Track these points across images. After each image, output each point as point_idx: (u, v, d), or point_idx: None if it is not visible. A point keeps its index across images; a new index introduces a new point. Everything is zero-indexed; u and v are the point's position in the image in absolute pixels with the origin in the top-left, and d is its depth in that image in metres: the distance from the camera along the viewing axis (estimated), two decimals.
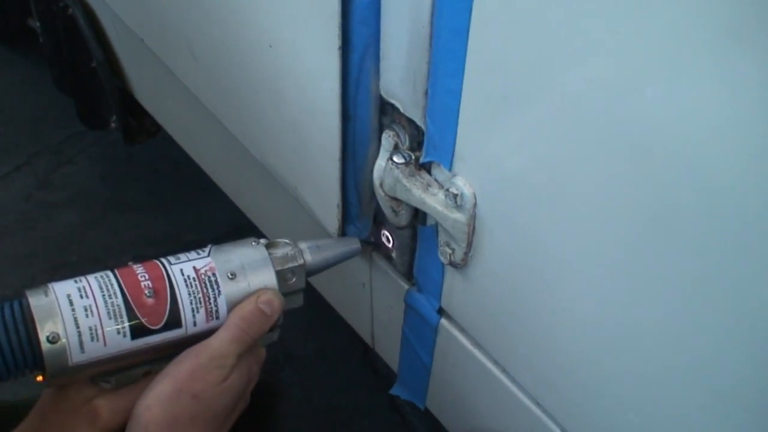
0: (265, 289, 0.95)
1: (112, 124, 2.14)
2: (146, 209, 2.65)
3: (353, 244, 1.13)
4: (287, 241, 1.02)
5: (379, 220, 1.16)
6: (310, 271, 1.03)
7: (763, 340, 0.65)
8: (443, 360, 1.17)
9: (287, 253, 1.00)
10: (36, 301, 0.85)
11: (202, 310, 0.91)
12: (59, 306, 0.85)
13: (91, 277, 0.90)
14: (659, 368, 0.77)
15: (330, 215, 1.14)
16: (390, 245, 1.16)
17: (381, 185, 1.02)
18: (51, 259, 2.47)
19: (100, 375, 0.91)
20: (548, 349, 0.92)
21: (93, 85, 2.02)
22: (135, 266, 0.92)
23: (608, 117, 0.68)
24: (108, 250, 2.50)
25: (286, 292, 0.98)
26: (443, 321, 1.11)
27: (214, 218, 2.55)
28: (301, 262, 1.00)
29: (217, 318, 0.93)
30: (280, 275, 0.98)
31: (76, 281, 0.89)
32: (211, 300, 0.92)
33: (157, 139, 2.22)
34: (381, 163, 1.01)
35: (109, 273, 0.90)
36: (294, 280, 1.00)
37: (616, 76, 0.65)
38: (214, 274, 0.93)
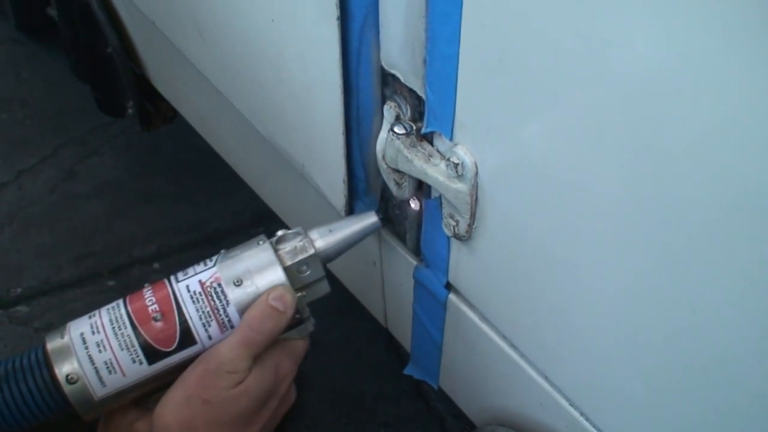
0: (275, 286, 0.93)
1: (129, 110, 2.15)
2: (171, 199, 2.66)
3: (369, 218, 1.05)
4: (298, 230, 0.98)
5: (386, 196, 1.14)
6: (327, 257, 1.00)
7: None
8: (453, 336, 1.16)
9: (296, 246, 0.96)
10: (52, 344, 0.90)
11: (214, 323, 0.91)
12: (73, 346, 0.89)
13: (103, 311, 0.92)
14: (665, 337, 0.75)
15: (337, 192, 1.13)
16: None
17: (383, 157, 1.01)
18: (76, 250, 2.48)
19: (140, 397, 0.93)
20: (553, 321, 0.91)
21: (109, 72, 2.03)
22: (144, 290, 0.93)
23: (605, 74, 0.66)
24: (133, 240, 2.52)
25: (303, 284, 0.96)
26: (451, 296, 1.10)
27: (238, 207, 2.57)
28: (311, 252, 0.96)
29: (231, 327, 0.92)
30: (292, 270, 0.95)
31: (90, 316, 0.92)
32: (221, 311, 0.91)
33: (180, 129, 2.22)
34: (383, 135, 1.00)
35: (120, 303, 0.92)
36: (309, 271, 0.96)
37: (612, 31, 0.63)
38: (219, 285, 0.92)
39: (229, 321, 0.91)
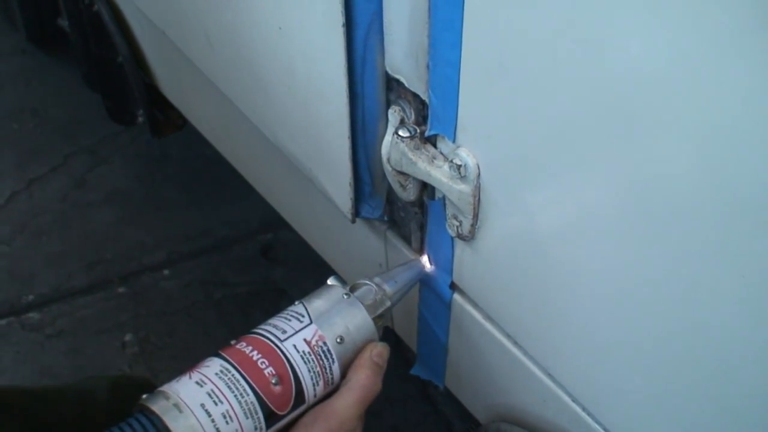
0: (372, 343, 0.97)
1: (140, 119, 2.18)
2: (180, 206, 2.69)
3: (418, 266, 1.14)
4: (367, 282, 1.04)
5: (391, 199, 1.16)
6: (393, 306, 1.05)
7: None
8: (458, 336, 1.18)
9: (376, 300, 1.01)
10: (172, 418, 0.83)
11: (321, 382, 0.92)
12: (198, 420, 0.83)
13: (212, 376, 0.87)
14: (664, 334, 0.77)
15: (343, 195, 1.15)
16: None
17: (388, 160, 1.03)
18: (87, 257, 2.51)
19: None
20: (556, 319, 0.92)
21: (120, 81, 2.06)
22: (247, 350, 0.90)
23: (601, 76, 0.68)
24: (143, 247, 2.54)
25: None
26: (456, 296, 1.12)
27: (247, 214, 2.59)
28: (388, 304, 1.03)
29: (333, 383, 0.94)
30: (374, 322, 0.99)
31: (199, 384, 0.87)
32: (328, 369, 0.93)
33: (190, 138, 2.24)
34: (388, 138, 1.02)
35: (229, 367, 0.89)
36: (381, 321, 1.02)
37: (607, 36, 0.66)
38: (325, 343, 0.93)
39: (332, 378, 0.94)
